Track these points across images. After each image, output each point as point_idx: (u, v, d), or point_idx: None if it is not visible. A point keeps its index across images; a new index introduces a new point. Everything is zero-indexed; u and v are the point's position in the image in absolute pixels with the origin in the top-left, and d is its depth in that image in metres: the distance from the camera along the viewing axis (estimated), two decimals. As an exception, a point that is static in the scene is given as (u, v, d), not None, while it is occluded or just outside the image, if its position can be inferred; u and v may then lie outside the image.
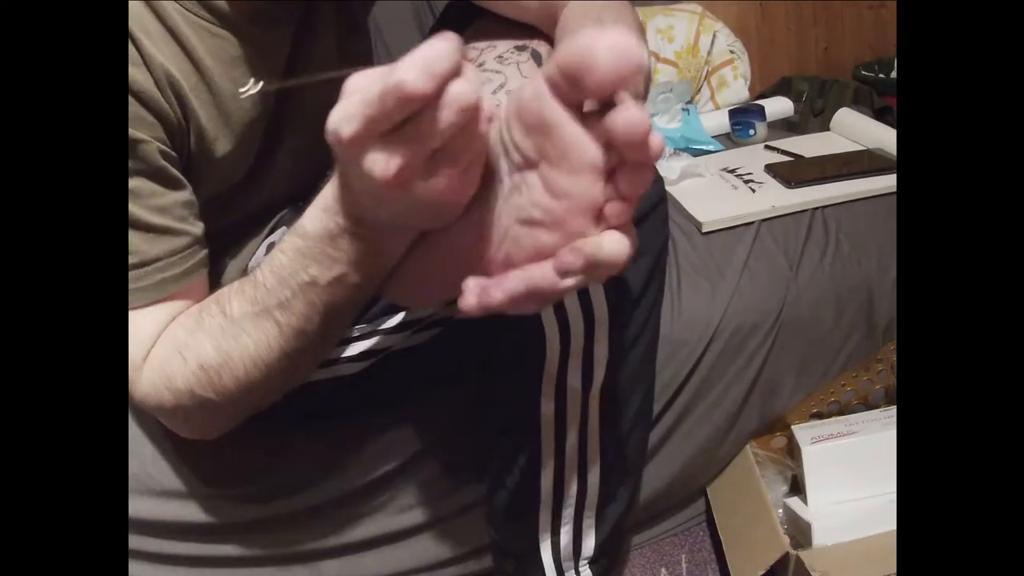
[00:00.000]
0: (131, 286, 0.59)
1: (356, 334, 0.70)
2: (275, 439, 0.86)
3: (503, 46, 0.68)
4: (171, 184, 0.61)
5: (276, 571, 0.91)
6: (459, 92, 0.38)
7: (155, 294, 0.60)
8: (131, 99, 0.58)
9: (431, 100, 0.37)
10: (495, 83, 0.64)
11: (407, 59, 0.37)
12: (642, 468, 0.89)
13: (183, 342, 0.57)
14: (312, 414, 0.83)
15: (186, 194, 0.63)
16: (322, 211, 0.48)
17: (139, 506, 0.85)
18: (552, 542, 0.80)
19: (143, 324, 0.60)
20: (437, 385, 0.87)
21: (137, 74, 0.59)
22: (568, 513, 0.79)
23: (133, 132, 0.58)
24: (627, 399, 0.77)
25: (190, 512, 0.86)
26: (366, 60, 0.84)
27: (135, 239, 0.59)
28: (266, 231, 0.81)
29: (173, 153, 0.62)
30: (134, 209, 0.58)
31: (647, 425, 0.84)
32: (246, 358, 0.55)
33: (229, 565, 0.89)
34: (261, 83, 0.50)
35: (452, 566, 0.96)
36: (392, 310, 0.69)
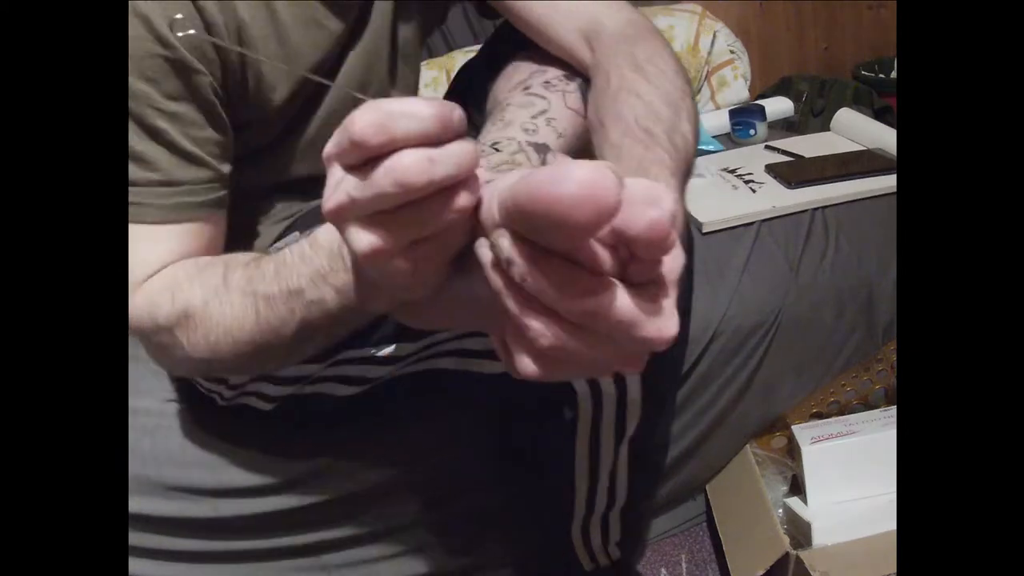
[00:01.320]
0: (152, 201, 0.61)
1: (348, 357, 0.70)
2: (279, 440, 0.86)
3: (553, 72, 0.68)
4: (213, 121, 0.63)
5: (278, 564, 0.91)
6: (462, 199, 0.36)
7: (171, 214, 0.62)
8: (204, 29, 0.60)
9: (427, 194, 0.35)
10: (536, 108, 0.64)
11: (410, 159, 0.34)
12: (663, 470, 0.90)
13: (179, 283, 0.59)
14: (311, 423, 0.84)
15: (224, 136, 0.65)
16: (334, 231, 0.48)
17: (139, 504, 0.85)
18: (583, 538, 0.83)
19: (153, 245, 0.61)
20: (434, 416, 0.88)
21: (214, 9, 0.61)
22: (596, 520, 0.82)
23: (195, 62, 0.60)
24: (654, 433, 0.79)
25: (191, 509, 0.86)
26: (412, 63, 0.84)
27: (165, 159, 0.61)
28: (290, 215, 0.80)
29: (223, 94, 0.64)
30: (173, 132, 0.60)
31: (669, 428, 0.85)
32: (221, 326, 0.56)
33: (230, 560, 0.90)
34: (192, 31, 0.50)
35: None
36: (386, 340, 0.69)
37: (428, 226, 0.37)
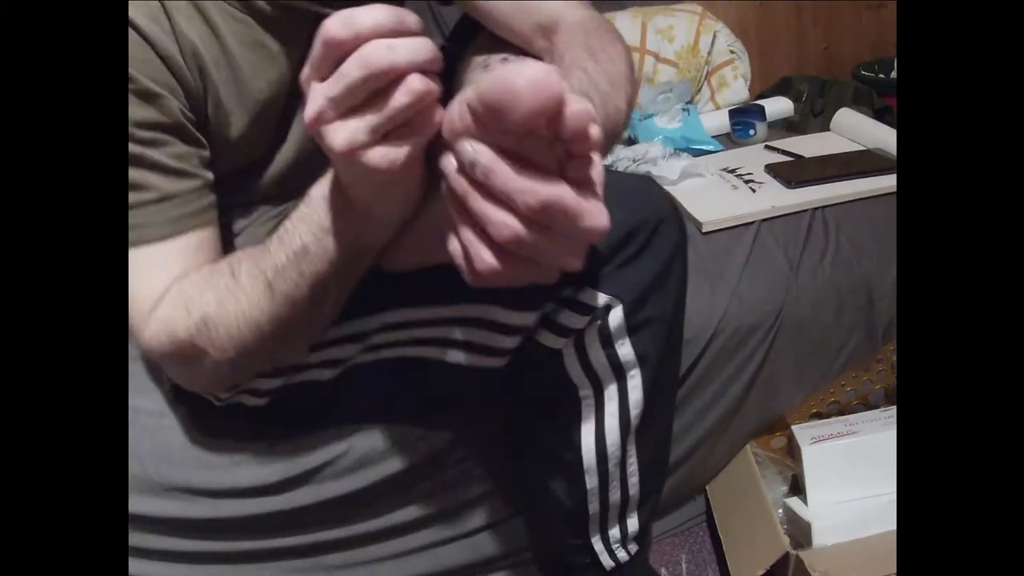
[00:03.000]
0: (153, 219, 0.63)
1: (327, 339, 0.72)
2: (276, 441, 0.86)
3: (511, 50, 0.73)
4: (189, 139, 0.65)
5: (278, 564, 0.91)
6: (414, 82, 0.42)
7: (174, 226, 0.63)
8: (159, 62, 0.62)
9: (389, 78, 0.41)
10: None
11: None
12: (668, 463, 0.91)
13: (190, 296, 0.61)
14: (307, 417, 0.84)
15: (201, 149, 0.66)
16: (325, 180, 0.53)
17: (139, 504, 0.85)
18: (602, 536, 0.84)
19: (157, 271, 0.63)
20: (422, 408, 0.88)
21: (167, 41, 0.63)
22: (614, 517, 0.83)
23: (158, 88, 0.62)
24: (659, 418, 0.80)
25: (191, 509, 0.86)
26: None
27: (154, 178, 0.62)
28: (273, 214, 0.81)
29: (192, 115, 0.66)
30: (155, 155, 0.62)
31: (672, 419, 0.87)
32: (241, 317, 0.59)
33: (229, 561, 0.90)
34: None
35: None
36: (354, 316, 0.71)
37: (393, 113, 0.42)
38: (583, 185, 0.40)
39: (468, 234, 0.42)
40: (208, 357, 0.61)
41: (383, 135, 0.44)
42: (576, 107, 0.38)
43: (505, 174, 0.39)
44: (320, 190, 0.54)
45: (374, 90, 0.42)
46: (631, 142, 1.49)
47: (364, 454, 0.87)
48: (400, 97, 0.42)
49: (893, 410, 1.01)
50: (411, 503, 0.92)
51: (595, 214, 0.40)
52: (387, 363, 0.74)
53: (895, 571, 0.71)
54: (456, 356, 0.73)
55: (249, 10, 0.68)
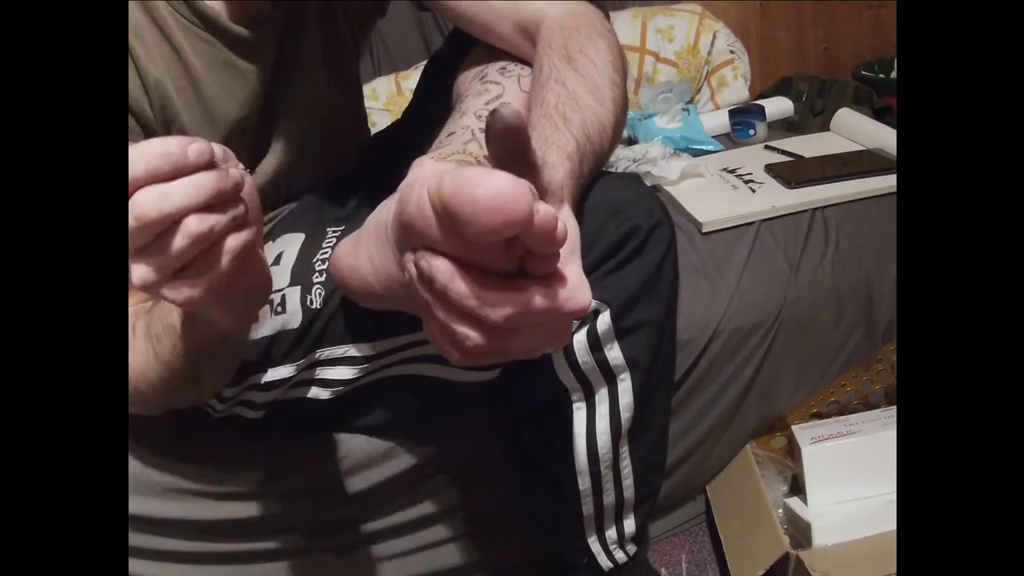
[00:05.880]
0: None
1: (318, 359, 0.73)
2: (278, 439, 0.86)
3: (509, 59, 0.72)
4: None
5: (279, 565, 0.91)
6: (190, 224, 0.40)
7: None
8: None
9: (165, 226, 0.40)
10: (491, 94, 0.68)
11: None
12: (665, 464, 0.91)
13: None
14: (305, 427, 0.85)
15: None
16: None
17: (139, 504, 0.85)
18: (599, 537, 0.84)
19: None
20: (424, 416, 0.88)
21: (128, 79, 0.63)
22: (610, 519, 0.83)
23: None
24: (652, 421, 0.80)
25: (192, 511, 0.86)
26: (351, 77, 0.87)
27: None
28: None
29: None
30: None
31: (667, 421, 0.86)
32: (135, 370, 0.60)
33: (228, 561, 0.90)
34: None
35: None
36: (337, 340, 0.71)
37: (175, 255, 0.40)
38: (551, 278, 0.38)
39: (435, 332, 0.41)
40: None
41: (176, 272, 0.42)
42: (541, 217, 0.35)
43: (462, 292, 0.37)
44: None
45: (158, 233, 0.40)
46: (631, 142, 1.49)
47: (362, 458, 0.87)
48: (178, 241, 0.40)
49: (893, 410, 1.01)
50: (409, 504, 0.92)
51: (571, 298, 0.38)
52: (386, 381, 0.75)
53: (895, 571, 0.71)
54: (451, 372, 0.73)
55: (215, 30, 0.68)
